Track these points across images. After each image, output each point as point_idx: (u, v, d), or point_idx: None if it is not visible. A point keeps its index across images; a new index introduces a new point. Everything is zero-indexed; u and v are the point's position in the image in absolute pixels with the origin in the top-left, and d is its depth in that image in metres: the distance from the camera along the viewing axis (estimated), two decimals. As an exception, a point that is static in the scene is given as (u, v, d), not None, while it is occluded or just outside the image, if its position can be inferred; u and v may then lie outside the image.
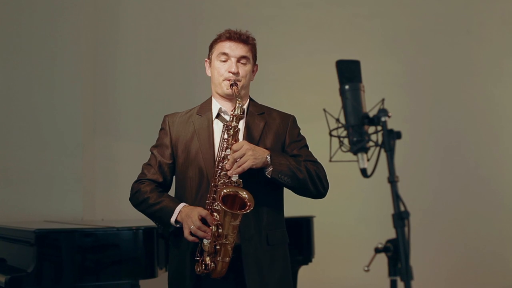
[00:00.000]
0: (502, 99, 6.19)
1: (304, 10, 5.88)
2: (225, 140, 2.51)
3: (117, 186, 5.14)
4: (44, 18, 4.95)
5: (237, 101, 2.51)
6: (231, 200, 2.45)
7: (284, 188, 2.63)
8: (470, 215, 5.96)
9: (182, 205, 2.55)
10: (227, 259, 2.43)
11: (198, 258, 2.47)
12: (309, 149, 2.72)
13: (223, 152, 2.50)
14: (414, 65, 6.03)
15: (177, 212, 2.53)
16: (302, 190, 2.60)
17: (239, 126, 2.52)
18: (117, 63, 5.39)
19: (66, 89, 4.94)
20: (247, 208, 2.39)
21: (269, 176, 2.50)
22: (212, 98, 2.72)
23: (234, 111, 2.51)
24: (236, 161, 2.44)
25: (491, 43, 6.19)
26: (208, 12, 5.61)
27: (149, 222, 3.19)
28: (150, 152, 2.74)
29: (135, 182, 2.71)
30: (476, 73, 6.17)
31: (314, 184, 2.58)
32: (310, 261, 4.50)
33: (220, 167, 2.49)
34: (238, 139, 2.52)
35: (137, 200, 2.67)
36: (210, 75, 2.71)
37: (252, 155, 2.44)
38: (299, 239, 4.41)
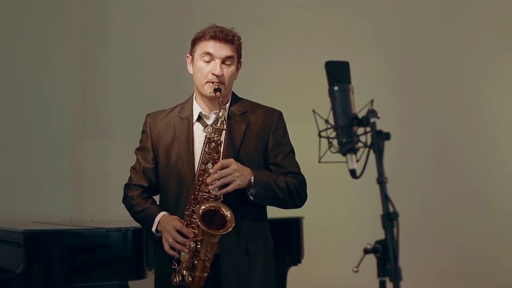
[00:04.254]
0: (493, 100, 6.21)
1: (295, 11, 5.88)
2: (207, 153, 2.43)
3: (106, 187, 5.13)
4: (34, 18, 4.92)
5: (221, 112, 2.42)
6: (211, 215, 2.40)
7: None
8: (460, 216, 5.97)
9: (161, 214, 2.53)
10: (205, 274, 2.41)
11: (175, 267, 2.44)
12: (294, 152, 2.66)
13: (204, 166, 2.43)
14: (403, 66, 6.05)
15: (157, 222, 2.52)
16: (279, 205, 2.59)
17: (221, 139, 2.45)
18: (107, 63, 5.37)
19: (55, 89, 4.92)
20: (226, 227, 2.35)
21: (252, 199, 2.47)
22: (194, 97, 2.65)
23: (217, 123, 2.43)
24: (220, 175, 2.38)
25: (481, 44, 6.21)
26: (198, 12, 5.59)
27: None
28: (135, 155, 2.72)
29: (125, 186, 2.71)
30: (466, 74, 6.19)
31: (292, 199, 2.56)
32: (300, 262, 4.50)
33: (200, 179, 2.43)
34: (220, 152, 2.45)
35: (127, 205, 2.67)
36: (191, 72, 2.63)
37: (238, 177, 2.39)
38: (288, 240, 4.41)
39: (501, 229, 6.05)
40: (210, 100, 2.57)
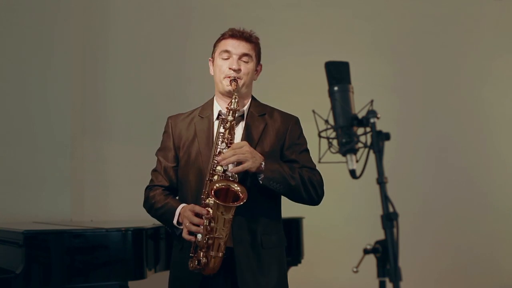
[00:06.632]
0: (492, 101, 6.22)
1: (294, 11, 5.88)
2: (221, 134, 2.50)
3: (106, 187, 5.12)
4: (34, 19, 4.91)
5: (234, 95, 2.50)
6: (224, 194, 2.43)
7: None
8: (460, 217, 5.98)
9: (181, 206, 2.55)
10: (220, 254, 2.41)
11: (192, 255, 2.46)
12: (309, 153, 2.69)
13: (219, 147, 2.48)
14: (403, 66, 6.05)
15: (177, 214, 2.54)
16: (294, 196, 2.60)
17: (235, 122, 2.51)
18: (107, 64, 5.37)
19: (55, 90, 4.91)
20: (239, 200, 2.37)
21: (261, 183, 2.49)
22: (214, 98, 2.72)
23: (230, 105, 2.50)
24: (234, 152, 2.41)
25: (481, 44, 6.22)
26: (197, 13, 5.60)
27: (139, 223, 3.18)
28: (156, 157, 2.76)
29: (146, 189, 2.74)
30: (465, 75, 6.20)
31: (307, 191, 2.57)
32: (299, 262, 4.49)
33: (216, 160, 2.46)
34: (234, 134, 2.51)
35: (148, 205, 2.71)
36: (212, 73, 2.71)
37: (250, 158, 2.43)
38: (289, 240, 4.32)
39: (501, 229, 6.06)
40: (230, 98, 2.61)
